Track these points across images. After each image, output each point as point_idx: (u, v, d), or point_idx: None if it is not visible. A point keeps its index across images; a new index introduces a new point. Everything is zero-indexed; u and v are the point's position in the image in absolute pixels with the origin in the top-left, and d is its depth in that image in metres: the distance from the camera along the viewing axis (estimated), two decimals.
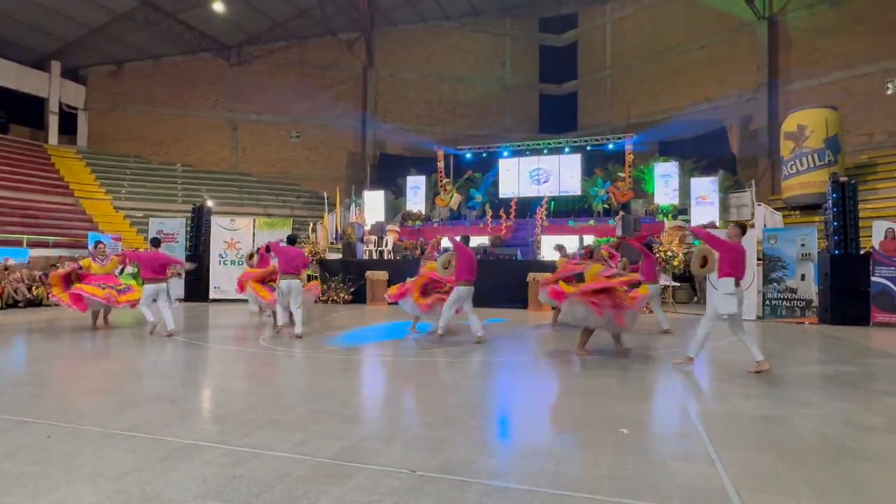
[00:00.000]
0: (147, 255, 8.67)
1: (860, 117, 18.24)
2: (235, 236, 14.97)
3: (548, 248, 14.80)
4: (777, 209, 16.08)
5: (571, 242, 14.99)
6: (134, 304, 8.93)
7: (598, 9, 25.86)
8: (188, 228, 15.31)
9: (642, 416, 4.12)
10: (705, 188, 18.01)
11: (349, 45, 25.80)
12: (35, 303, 13.16)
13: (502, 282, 12.84)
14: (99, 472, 2.95)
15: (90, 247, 10.75)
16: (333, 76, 26.19)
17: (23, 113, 23.57)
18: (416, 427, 3.75)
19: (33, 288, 13.33)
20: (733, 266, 5.56)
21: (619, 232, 15.16)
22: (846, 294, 10.11)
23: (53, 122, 23.64)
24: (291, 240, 8.66)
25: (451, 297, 7.60)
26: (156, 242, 8.94)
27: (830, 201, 10.62)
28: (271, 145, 25.99)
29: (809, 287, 10.77)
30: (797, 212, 17.20)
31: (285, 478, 2.87)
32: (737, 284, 5.56)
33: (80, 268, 9.06)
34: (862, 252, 10.49)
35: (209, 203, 17.63)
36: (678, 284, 14.05)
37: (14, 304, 12.70)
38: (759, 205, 15.48)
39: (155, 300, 8.36)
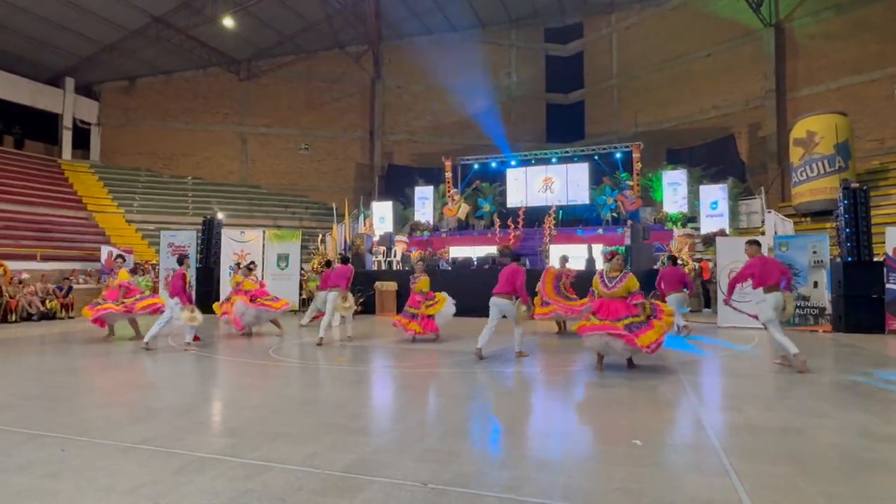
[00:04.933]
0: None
1: (870, 123, 18.12)
2: (245, 248, 15.08)
3: (556, 257, 14.78)
4: (787, 216, 15.94)
5: (579, 251, 15.02)
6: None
7: (604, 18, 25.94)
8: (199, 241, 15.45)
9: (655, 427, 4.08)
10: (714, 195, 17.93)
11: (357, 58, 26.05)
12: (49, 316, 13.30)
13: None
14: (112, 485, 2.97)
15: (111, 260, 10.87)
16: (341, 89, 26.45)
17: (37, 129, 23.97)
18: (426, 439, 3.74)
19: (47, 301, 13.48)
20: (760, 278, 6.52)
21: (627, 241, 15.09)
22: (860, 302, 9.98)
23: (67, 137, 24.04)
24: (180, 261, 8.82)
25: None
26: (180, 261, 8.77)
27: (842, 208, 10.52)
28: (280, 157, 26.23)
29: (822, 295, 10.64)
30: (808, 218, 17.04)
31: (297, 491, 2.87)
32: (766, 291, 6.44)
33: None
34: (875, 259, 10.37)
35: (219, 215, 17.78)
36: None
37: (28, 318, 12.85)
38: (770, 212, 15.37)
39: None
